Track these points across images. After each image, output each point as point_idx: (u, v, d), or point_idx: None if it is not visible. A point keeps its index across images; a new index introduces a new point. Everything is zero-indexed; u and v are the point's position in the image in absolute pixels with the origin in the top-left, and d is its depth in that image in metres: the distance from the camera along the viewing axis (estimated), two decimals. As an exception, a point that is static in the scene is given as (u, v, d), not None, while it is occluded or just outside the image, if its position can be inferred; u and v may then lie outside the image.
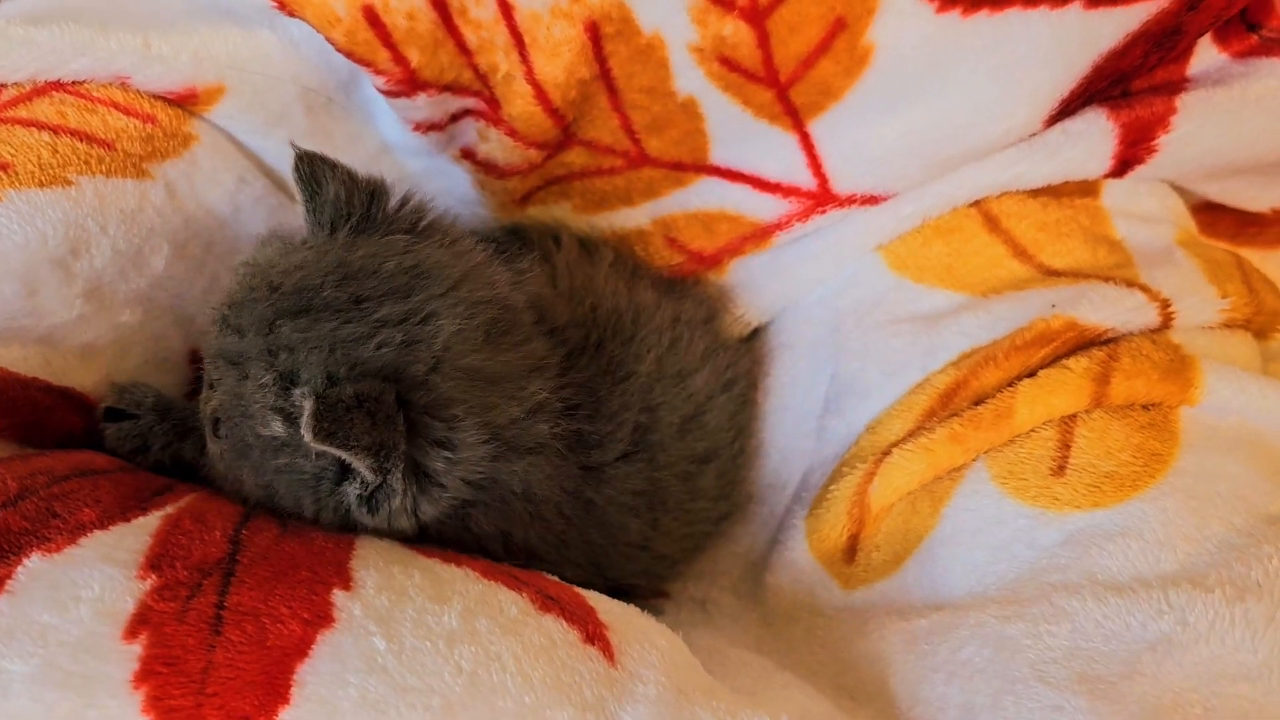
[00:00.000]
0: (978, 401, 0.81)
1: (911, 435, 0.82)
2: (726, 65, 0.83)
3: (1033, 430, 0.78)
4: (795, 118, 0.86)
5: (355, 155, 0.97)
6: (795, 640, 0.84)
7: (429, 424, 0.67)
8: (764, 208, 0.92)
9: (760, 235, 0.94)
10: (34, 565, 0.60)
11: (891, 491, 0.82)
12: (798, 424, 0.93)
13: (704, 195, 0.93)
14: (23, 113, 0.82)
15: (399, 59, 0.82)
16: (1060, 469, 0.76)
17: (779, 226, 0.93)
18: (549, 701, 0.61)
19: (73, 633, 0.57)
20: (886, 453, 0.83)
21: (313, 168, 0.73)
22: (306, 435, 0.63)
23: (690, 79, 0.84)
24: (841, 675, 0.77)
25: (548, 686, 0.61)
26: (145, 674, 0.57)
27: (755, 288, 0.97)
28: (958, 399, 0.82)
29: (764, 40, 0.81)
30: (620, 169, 0.93)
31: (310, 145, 0.95)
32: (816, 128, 0.87)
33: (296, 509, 0.72)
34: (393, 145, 0.98)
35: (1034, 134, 0.87)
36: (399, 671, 0.59)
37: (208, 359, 0.73)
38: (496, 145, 0.90)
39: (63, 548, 0.62)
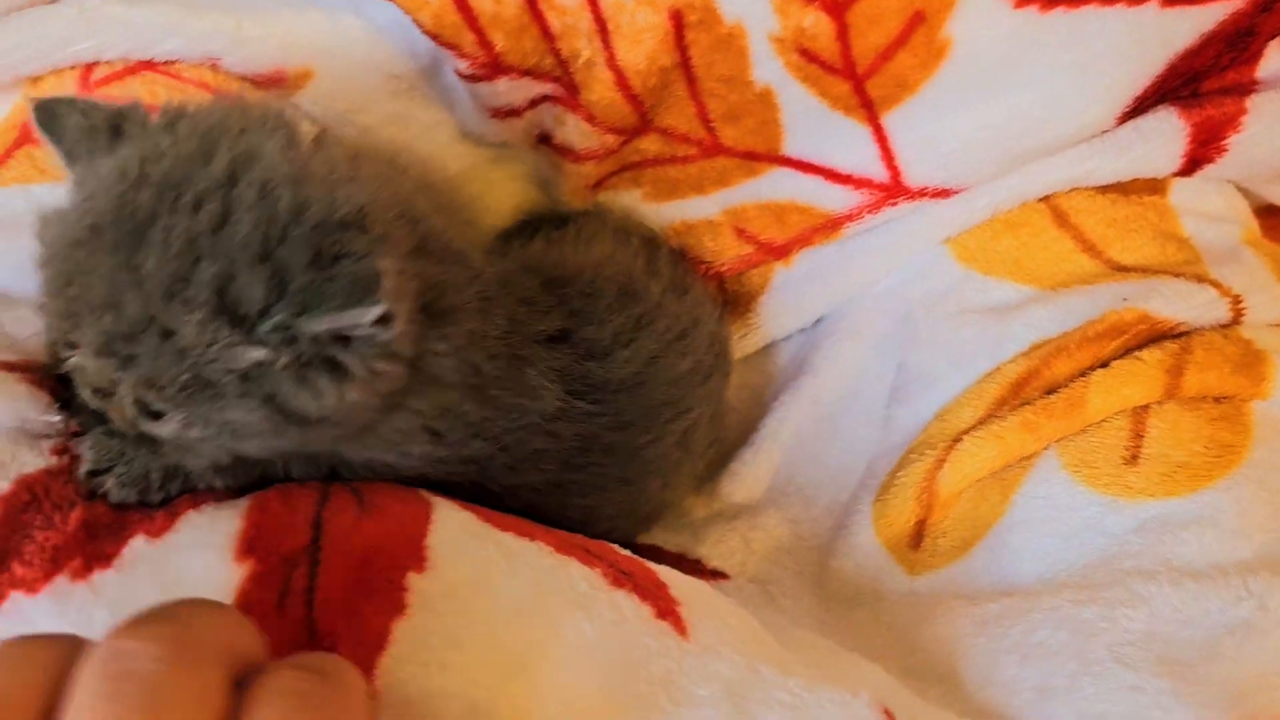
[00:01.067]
0: (1049, 391, 0.82)
1: (982, 423, 0.83)
2: (805, 56, 0.84)
3: (1105, 420, 0.79)
4: (870, 110, 0.87)
5: (433, 142, 0.99)
6: (859, 624, 0.85)
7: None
8: (836, 199, 0.93)
9: (830, 226, 0.95)
10: (138, 545, 0.62)
11: (961, 478, 0.83)
12: (865, 412, 0.94)
13: (775, 186, 0.94)
14: (115, 91, 0.85)
15: (484, 42, 0.84)
16: (1133, 458, 0.77)
17: (849, 218, 0.94)
18: (621, 679, 0.62)
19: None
20: (957, 440, 0.84)
21: (50, 112, 0.63)
22: (317, 323, 0.57)
23: (769, 69, 0.86)
24: (908, 658, 0.78)
25: (618, 666, 0.62)
26: None
27: (823, 278, 0.98)
28: (1029, 388, 0.83)
29: (843, 32, 0.82)
30: (694, 157, 0.94)
31: (390, 131, 0.98)
32: (891, 120, 0.88)
33: (285, 443, 0.65)
34: (469, 132, 1.00)
35: (1106, 130, 0.88)
36: (472, 648, 0.60)
37: (88, 364, 0.61)
38: (574, 130, 0.92)
39: (163, 532, 0.63)
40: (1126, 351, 0.81)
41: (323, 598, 0.61)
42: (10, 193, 0.79)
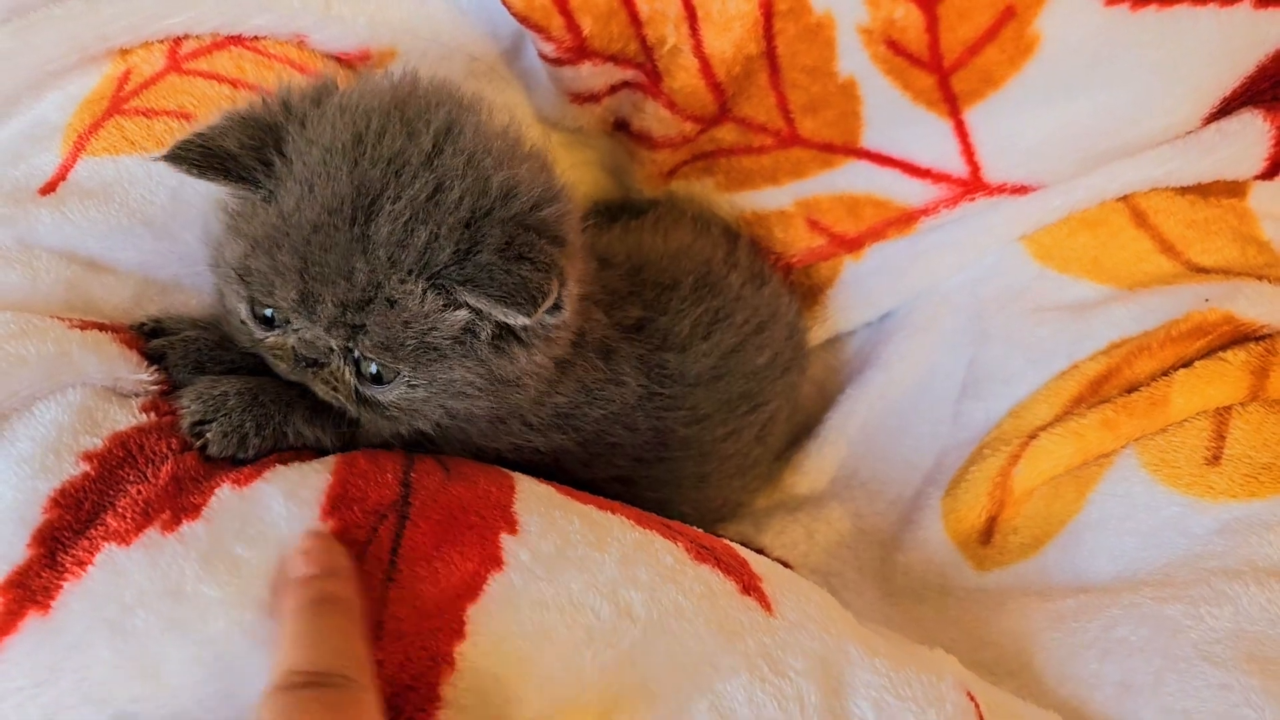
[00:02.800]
0: (1130, 389, 0.81)
1: (1059, 420, 0.83)
2: (892, 48, 0.84)
3: (1186, 420, 0.79)
4: (953, 104, 0.87)
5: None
6: (924, 618, 0.85)
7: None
8: (912, 193, 0.93)
9: (905, 220, 0.95)
10: (225, 495, 0.63)
11: (1037, 475, 0.82)
12: (934, 407, 0.94)
13: (851, 178, 0.94)
14: (203, 65, 0.85)
15: (572, 26, 0.84)
16: (1215, 459, 0.76)
17: (925, 212, 0.94)
18: (716, 648, 0.62)
19: (264, 567, 0.60)
20: (1033, 436, 0.83)
21: (199, 150, 0.66)
22: (473, 298, 0.64)
23: (854, 60, 0.86)
24: (978, 651, 0.78)
25: (713, 633, 0.63)
26: None
27: (893, 272, 0.98)
28: (1108, 386, 0.83)
29: (933, 24, 0.82)
30: (769, 148, 0.94)
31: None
32: (973, 116, 0.88)
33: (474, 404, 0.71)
34: (546, 116, 1.00)
35: (1190, 131, 0.88)
36: (568, 615, 0.61)
37: (312, 335, 0.67)
38: (652, 117, 0.92)
39: (250, 480, 0.64)
40: (1210, 352, 0.80)
41: (409, 547, 0.62)
42: (100, 162, 0.80)
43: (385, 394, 0.69)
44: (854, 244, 0.98)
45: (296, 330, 0.67)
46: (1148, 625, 0.70)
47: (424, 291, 0.65)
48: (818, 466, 0.97)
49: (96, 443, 0.66)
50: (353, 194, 0.65)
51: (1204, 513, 0.75)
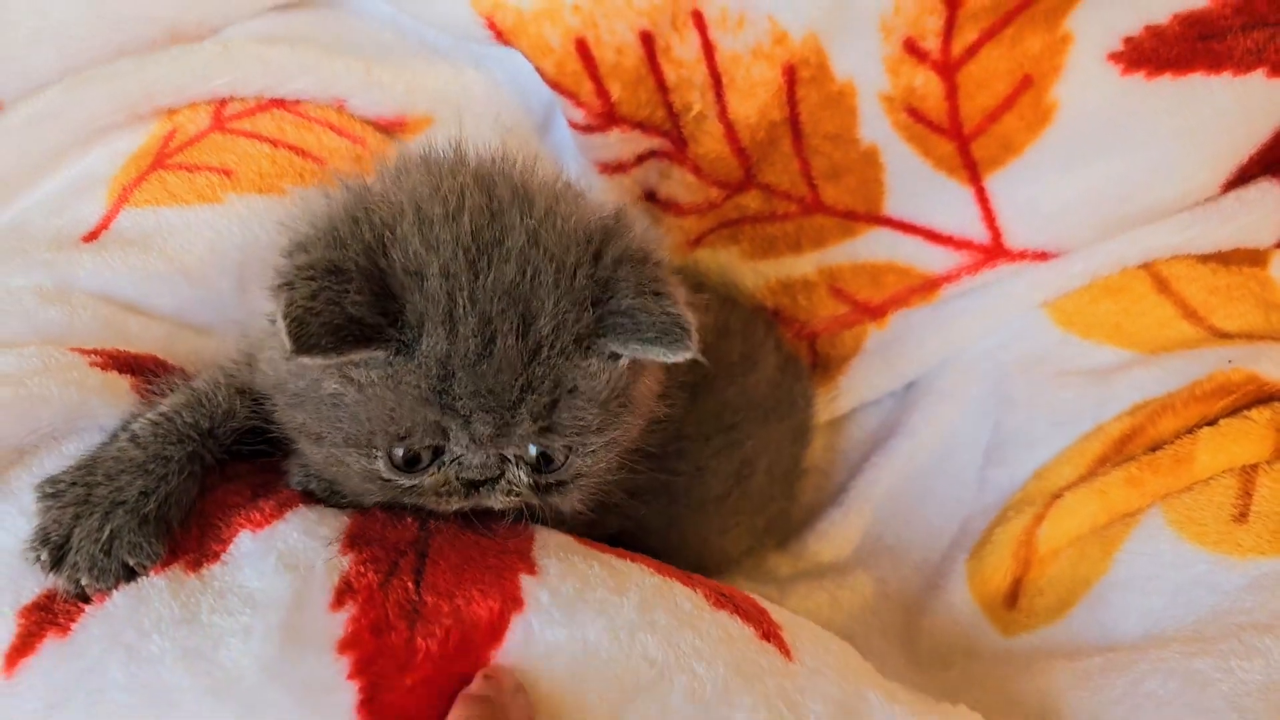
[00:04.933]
0: (1154, 448, 0.81)
1: (1084, 480, 0.83)
2: (913, 115, 0.87)
3: (1212, 478, 0.78)
4: (973, 171, 0.89)
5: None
6: (951, 683, 0.83)
7: None
8: (934, 260, 0.95)
9: (928, 288, 0.96)
10: (244, 540, 0.64)
11: (1061, 534, 0.82)
12: (958, 472, 0.94)
13: (873, 246, 0.96)
14: (246, 125, 0.89)
15: (601, 91, 0.87)
16: (1242, 515, 0.75)
17: (948, 279, 0.95)
18: (735, 689, 0.61)
19: (282, 598, 0.60)
20: (1057, 496, 0.83)
21: (325, 328, 0.59)
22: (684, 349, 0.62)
23: (875, 127, 0.88)
24: (1003, 712, 0.76)
25: (732, 675, 0.62)
26: (351, 641, 0.59)
27: (916, 340, 0.99)
28: (1132, 445, 0.83)
29: (952, 92, 0.85)
30: (793, 215, 0.96)
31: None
32: (994, 183, 0.90)
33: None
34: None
35: (1210, 198, 0.89)
36: (586, 657, 0.60)
37: (479, 458, 0.64)
38: (679, 184, 0.94)
39: (270, 521, 0.65)
40: (1235, 410, 0.80)
41: (431, 582, 0.62)
42: (141, 213, 0.83)
43: (565, 471, 0.66)
44: (877, 312, 0.99)
45: (459, 458, 0.63)
46: (1176, 679, 0.68)
47: (598, 363, 0.63)
48: (842, 533, 0.96)
49: None
50: (505, 308, 0.61)
51: (1232, 569, 0.73)
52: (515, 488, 0.65)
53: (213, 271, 0.81)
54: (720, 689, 0.61)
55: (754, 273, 1.01)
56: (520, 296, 0.61)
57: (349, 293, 0.59)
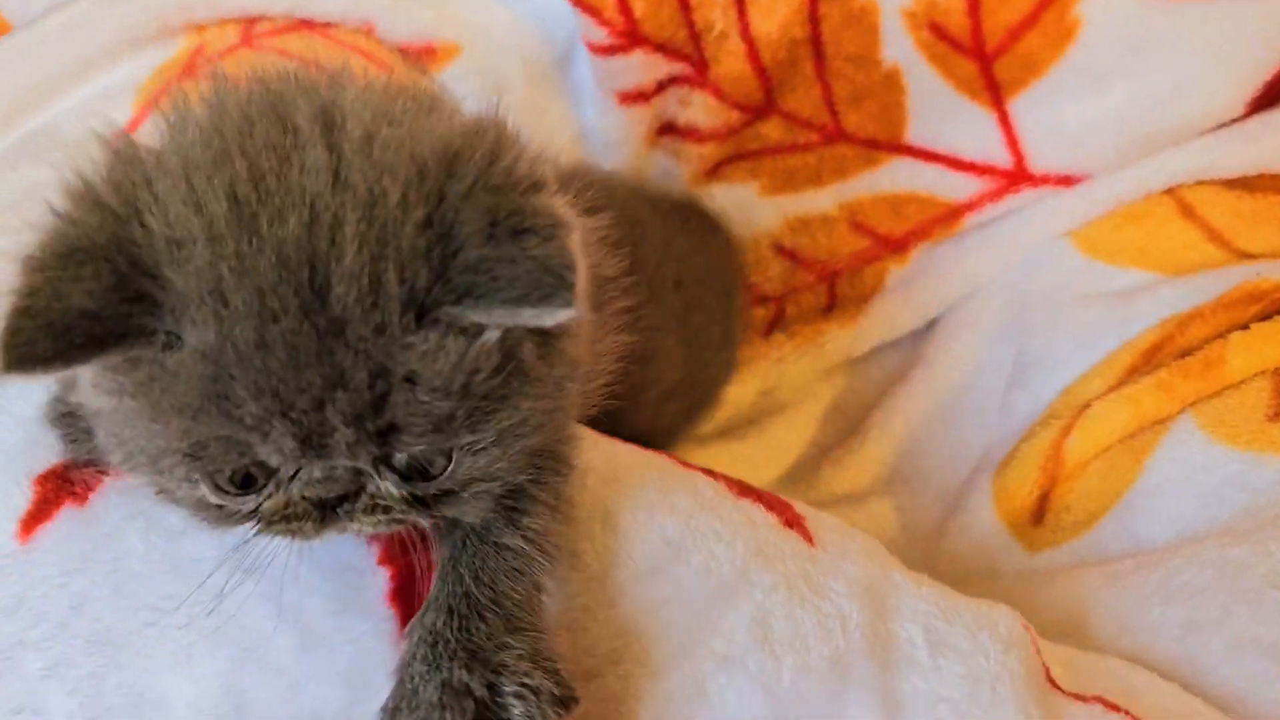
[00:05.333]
0: (1184, 355, 0.80)
1: (1113, 389, 0.82)
2: (935, 33, 0.87)
3: (1243, 381, 0.77)
4: (996, 94, 0.89)
5: (560, 138, 1.02)
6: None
7: None
8: (956, 187, 0.94)
9: (950, 217, 0.96)
10: None
11: (1091, 444, 0.80)
12: (980, 400, 0.93)
13: (895, 176, 0.96)
14: (275, 43, 0.89)
15: (624, 8, 0.87)
16: (1276, 415, 0.74)
17: (970, 207, 0.95)
18: (754, 569, 0.60)
19: None
20: (1085, 407, 0.82)
21: (43, 331, 0.44)
22: (484, 314, 0.46)
23: (898, 47, 0.88)
24: (1030, 619, 0.75)
25: (751, 556, 0.61)
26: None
27: (938, 274, 0.98)
28: (1162, 354, 0.82)
29: (975, 8, 0.85)
30: (814, 145, 0.96)
31: (525, 117, 1.02)
32: (1016, 105, 0.90)
33: None
34: (590, 131, 1.03)
35: (1234, 119, 0.88)
36: (604, 538, 0.60)
37: (327, 474, 0.49)
38: (700, 109, 0.95)
39: None
40: (1265, 316, 0.79)
41: None
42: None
43: (449, 480, 0.50)
44: (898, 245, 0.99)
45: (295, 474, 0.49)
46: (1211, 569, 0.67)
47: (438, 340, 0.46)
48: (859, 463, 0.95)
49: None
50: (283, 276, 0.45)
51: (1265, 466, 0.72)
52: (383, 503, 0.50)
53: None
54: (739, 568, 0.60)
55: (772, 209, 1.01)
56: (308, 257, 0.45)
57: (79, 281, 0.45)
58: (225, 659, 0.57)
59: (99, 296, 0.44)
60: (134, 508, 0.60)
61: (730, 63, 0.90)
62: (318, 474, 0.48)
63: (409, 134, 0.48)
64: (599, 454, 0.64)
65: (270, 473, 0.48)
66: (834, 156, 0.96)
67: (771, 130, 0.96)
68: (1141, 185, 0.91)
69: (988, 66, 0.88)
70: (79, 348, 0.44)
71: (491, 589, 0.55)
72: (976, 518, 0.85)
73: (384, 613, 0.58)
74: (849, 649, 0.58)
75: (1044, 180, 0.92)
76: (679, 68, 0.92)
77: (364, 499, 0.50)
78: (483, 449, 0.49)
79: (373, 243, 0.45)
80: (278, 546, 0.55)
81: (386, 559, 0.60)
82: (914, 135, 0.93)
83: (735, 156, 0.99)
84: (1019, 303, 0.94)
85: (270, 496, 0.49)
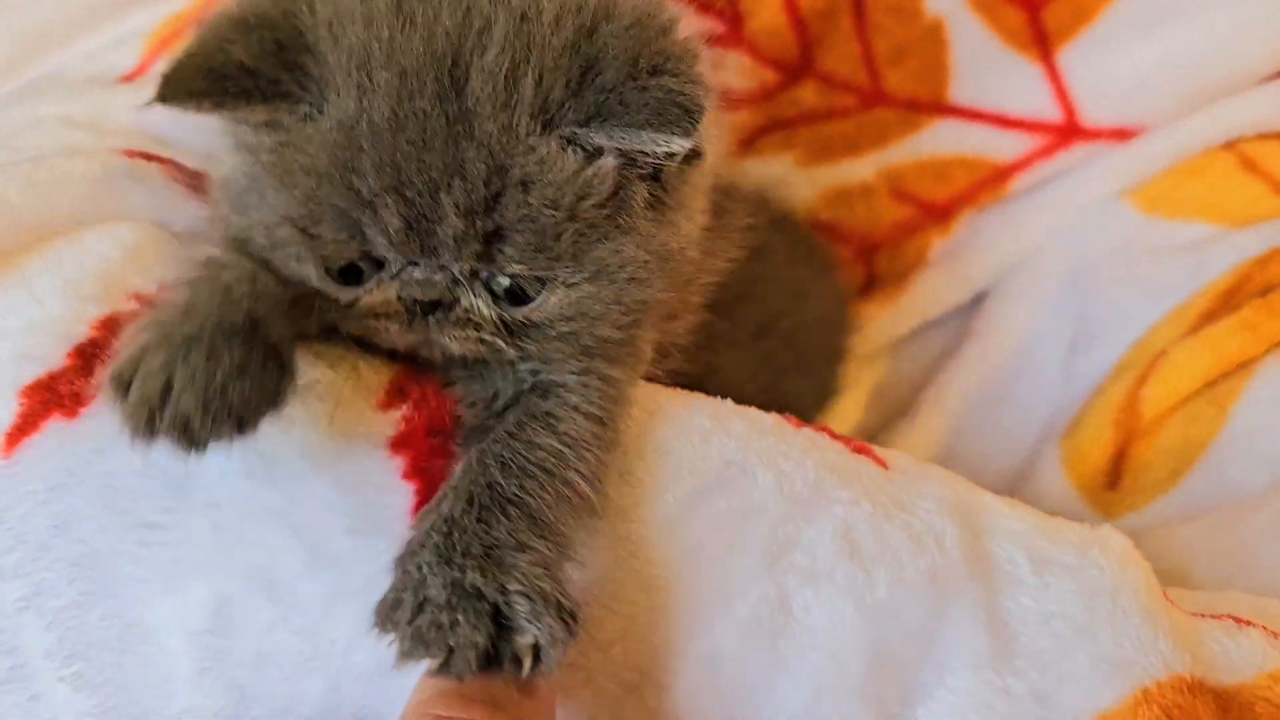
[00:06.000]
0: (1265, 292, 0.74)
1: (1191, 333, 0.76)
2: (981, -21, 0.83)
3: (1334, 316, 0.72)
4: (1044, 46, 0.85)
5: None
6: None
7: None
8: (1005, 147, 0.90)
9: (998, 179, 0.91)
10: None
11: (1171, 392, 0.75)
12: (1040, 370, 0.87)
13: (939, 139, 0.91)
14: None
15: (656, -43, 0.84)
16: (1374, 348, 0.68)
17: (1018, 167, 0.90)
18: (830, 484, 0.54)
19: (323, 393, 0.55)
20: (1162, 354, 0.76)
21: (203, 74, 0.50)
22: (608, 136, 0.50)
23: (941, -5, 0.85)
24: None
25: (824, 473, 0.55)
26: (404, 440, 0.54)
27: (986, 244, 0.93)
28: (1241, 295, 0.76)
29: (1022, -51, 0.82)
30: (852, 110, 0.92)
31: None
32: (1065, 57, 0.86)
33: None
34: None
35: (1295, 65, 0.84)
36: (655, 453, 0.55)
37: (429, 275, 0.52)
38: (733, 71, 0.90)
39: None
40: (1348, 249, 0.74)
41: None
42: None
43: (541, 309, 0.53)
44: (943, 212, 0.94)
45: (399, 273, 0.52)
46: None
47: (559, 150, 0.50)
48: (910, 445, 0.88)
49: (149, 286, 0.62)
50: (428, 61, 0.50)
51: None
52: (474, 319, 0.53)
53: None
54: (813, 484, 0.54)
55: (809, 182, 0.96)
56: (454, 49, 0.50)
57: (244, 42, 0.50)
58: (224, 579, 0.51)
59: (259, 56, 0.50)
60: None
61: (766, 15, 0.86)
62: (419, 275, 0.51)
63: None
64: (642, 392, 0.59)
65: (375, 268, 0.52)
66: (873, 122, 0.92)
67: (807, 95, 0.92)
68: (1199, 138, 0.86)
69: (1036, 14, 0.84)
70: (230, 95, 0.50)
71: (519, 483, 0.50)
72: (1046, 487, 0.79)
73: (406, 530, 0.52)
74: (946, 565, 0.52)
75: (1097, 134, 0.88)
76: (712, 24, 0.88)
77: (457, 311, 0.52)
78: (576, 283, 0.52)
79: (517, 49, 0.50)
80: (295, 455, 0.52)
81: (413, 472, 0.54)
82: (957, 94, 0.89)
83: (770, 126, 0.94)
84: (1076, 268, 0.88)
85: (370, 291, 0.52)
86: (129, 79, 0.77)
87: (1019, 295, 0.91)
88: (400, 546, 0.50)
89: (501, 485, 0.50)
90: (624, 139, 0.50)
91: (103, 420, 0.55)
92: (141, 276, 0.62)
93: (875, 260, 0.97)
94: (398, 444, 0.54)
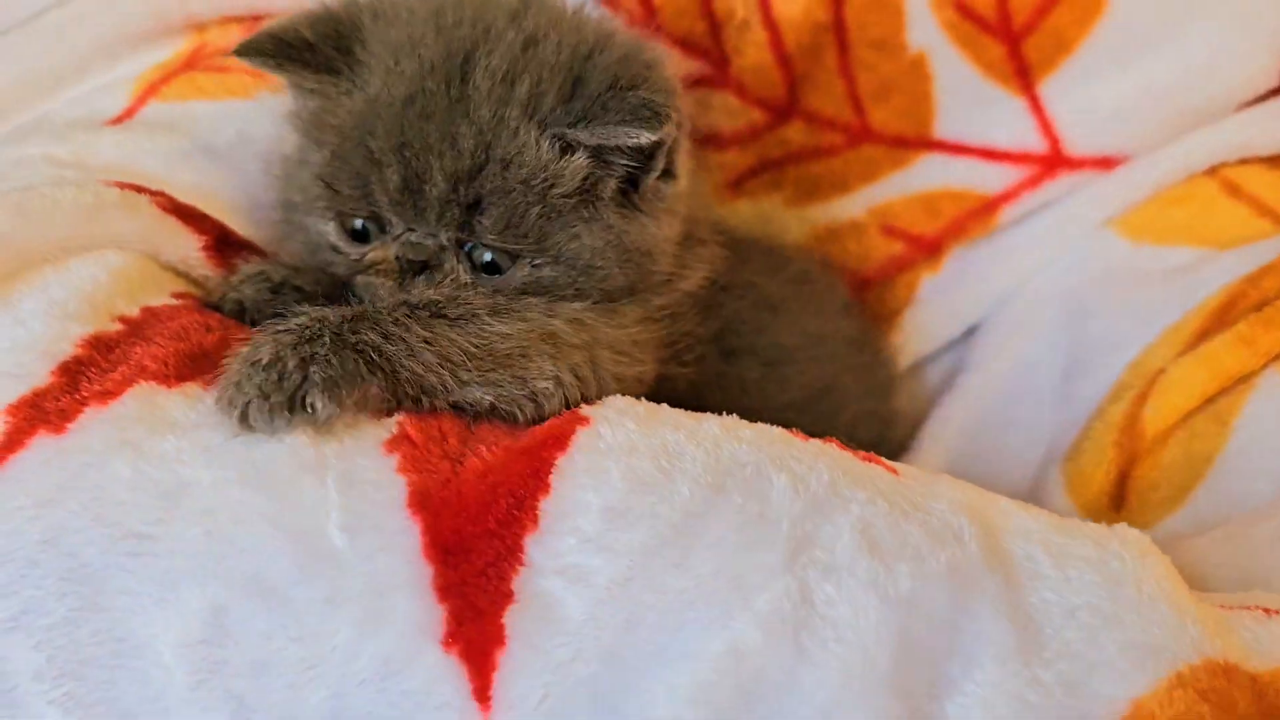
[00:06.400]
0: (1260, 307, 0.74)
1: (1188, 350, 0.75)
2: (961, 12, 0.85)
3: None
4: (1026, 78, 0.87)
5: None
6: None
7: None
8: (991, 179, 0.91)
9: (986, 211, 0.91)
10: None
11: (1170, 410, 0.74)
12: (1037, 396, 0.87)
13: (926, 174, 0.92)
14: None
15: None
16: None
17: (1006, 198, 0.91)
18: (844, 484, 0.53)
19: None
20: (1160, 372, 0.76)
21: (273, 41, 0.65)
22: (589, 134, 0.62)
23: (923, 30, 0.86)
24: None
25: (838, 474, 0.54)
26: (399, 441, 0.55)
27: (976, 277, 0.93)
28: (1236, 310, 0.76)
29: (1001, -16, 0.83)
30: (839, 148, 0.92)
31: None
32: (1047, 88, 0.87)
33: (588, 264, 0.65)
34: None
35: (1272, 90, 0.86)
36: (667, 455, 0.54)
37: (417, 237, 0.63)
38: (720, 111, 0.92)
39: None
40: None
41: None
42: (168, 106, 0.79)
43: (509, 280, 0.64)
44: (932, 246, 0.94)
45: (399, 236, 0.63)
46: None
47: (536, 140, 0.62)
48: (912, 476, 0.87)
49: (134, 311, 0.62)
50: (444, 56, 0.63)
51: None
52: (453, 282, 0.63)
53: (241, 154, 0.76)
54: (828, 484, 0.54)
55: (799, 221, 0.96)
56: (467, 51, 0.63)
57: (312, 25, 0.65)
58: (218, 587, 0.50)
59: (321, 37, 0.65)
60: (120, 437, 0.54)
61: (752, 53, 0.87)
62: (413, 239, 0.63)
63: (588, 18, 0.69)
64: (646, 407, 0.59)
65: (380, 231, 0.64)
66: (860, 159, 0.93)
67: (795, 134, 0.93)
68: (1183, 165, 0.87)
69: (1016, 47, 0.86)
70: (290, 61, 0.64)
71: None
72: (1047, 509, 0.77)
73: (403, 524, 0.51)
74: (966, 559, 0.51)
75: (1081, 164, 0.89)
76: (698, 66, 0.90)
77: (441, 273, 0.63)
78: (541, 264, 0.64)
79: (519, 59, 0.63)
80: (283, 455, 0.53)
81: (409, 467, 0.53)
82: (943, 129, 0.90)
83: (758, 167, 0.95)
84: (1067, 297, 0.88)
85: (375, 249, 0.64)
86: (116, 122, 0.77)
87: (1011, 326, 0.91)
88: (404, 554, 0.50)
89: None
90: (602, 135, 0.62)
91: (92, 435, 0.54)
92: (128, 301, 0.62)
93: (866, 298, 0.97)
94: (392, 444, 0.54)
